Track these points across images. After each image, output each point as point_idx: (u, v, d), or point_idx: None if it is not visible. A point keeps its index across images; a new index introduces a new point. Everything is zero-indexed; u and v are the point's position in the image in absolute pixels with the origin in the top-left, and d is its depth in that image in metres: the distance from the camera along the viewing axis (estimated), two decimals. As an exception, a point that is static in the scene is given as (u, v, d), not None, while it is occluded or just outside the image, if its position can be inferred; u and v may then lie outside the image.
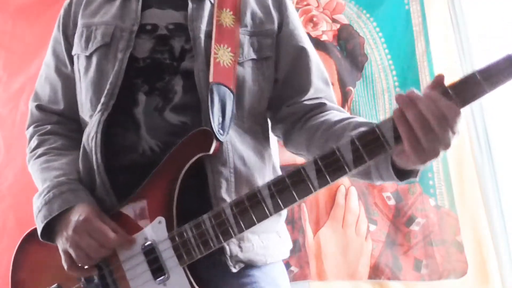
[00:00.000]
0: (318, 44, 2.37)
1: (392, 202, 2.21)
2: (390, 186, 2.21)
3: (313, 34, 2.39)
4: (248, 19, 1.19)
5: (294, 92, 1.18)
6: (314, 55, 1.22)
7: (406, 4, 2.32)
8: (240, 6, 1.19)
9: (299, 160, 1.16)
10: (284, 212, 1.17)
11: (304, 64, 1.19)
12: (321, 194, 2.26)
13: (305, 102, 1.16)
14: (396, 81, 2.30)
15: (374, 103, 2.32)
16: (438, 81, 0.86)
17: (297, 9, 2.43)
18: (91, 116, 1.13)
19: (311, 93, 1.17)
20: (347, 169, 0.89)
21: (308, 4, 2.43)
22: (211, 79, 1.07)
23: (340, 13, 2.41)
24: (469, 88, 0.85)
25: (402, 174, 0.92)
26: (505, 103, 2.11)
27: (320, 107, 1.15)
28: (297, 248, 2.22)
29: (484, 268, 2.07)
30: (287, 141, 1.20)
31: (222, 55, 1.10)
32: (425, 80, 2.25)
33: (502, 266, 2.06)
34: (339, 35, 2.39)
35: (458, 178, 2.16)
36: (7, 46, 2.47)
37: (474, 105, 2.24)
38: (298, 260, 2.22)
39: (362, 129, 0.93)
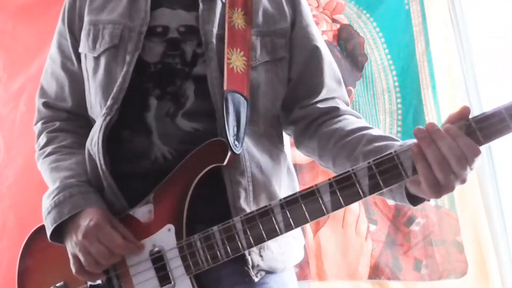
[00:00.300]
0: (318, 44, 2.37)
1: (392, 202, 2.21)
2: (390, 186, 2.21)
3: (313, 34, 2.40)
4: (260, 18, 1.15)
5: (307, 92, 1.16)
6: (327, 54, 1.20)
7: (406, 4, 2.32)
8: (252, 5, 1.15)
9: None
10: None
11: (317, 63, 1.17)
12: (321, 194, 2.26)
13: (318, 105, 1.14)
14: (396, 81, 2.30)
15: (374, 103, 2.32)
16: (463, 113, 0.84)
17: (297, 9, 2.43)
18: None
19: (323, 94, 1.15)
20: (362, 195, 0.89)
21: (308, 4, 2.43)
22: (225, 87, 1.04)
23: (340, 13, 2.41)
24: (494, 124, 0.82)
25: (416, 198, 0.92)
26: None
27: (333, 112, 1.13)
28: (297, 248, 2.22)
29: (484, 268, 2.07)
30: (298, 143, 1.19)
31: (235, 60, 1.08)
32: (425, 80, 2.25)
33: (502, 266, 2.06)
34: (339, 35, 2.39)
35: (458, 178, 2.16)
36: (7, 46, 2.47)
37: (474, 105, 2.26)
38: (298, 260, 2.22)
39: (380, 145, 0.93)
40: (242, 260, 1.01)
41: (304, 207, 0.92)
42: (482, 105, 2.17)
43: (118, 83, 1.07)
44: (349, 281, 2.20)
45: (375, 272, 2.17)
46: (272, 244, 1.05)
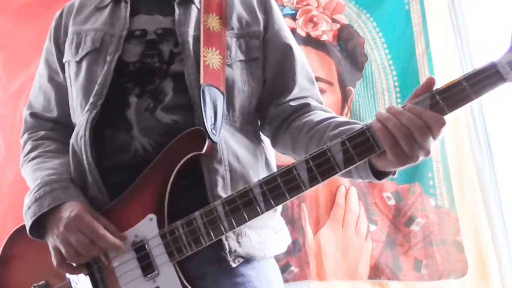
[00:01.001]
0: (318, 44, 2.37)
1: (392, 202, 2.21)
2: (390, 186, 2.21)
3: (313, 34, 2.40)
4: (234, 22, 1.22)
5: (280, 91, 1.20)
6: (299, 54, 1.25)
7: (406, 4, 2.32)
8: (226, 10, 1.22)
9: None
10: (279, 208, 1.19)
11: (288, 63, 1.22)
12: (321, 194, 2.26)
13: (291, 103, 1.19)
14: (396, 81, 2.30)
15: (374, 103, 2.32)
16: (428, 85, 0.89)
17: (297, 9, 2.43)
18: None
19: (295, 92, 1.20)
20: (337, 169, 0.93)
21: (308, 4, 2.43)
22: (201, 81, 1.09)
23: (340, 13, 2.41)
24: (456, 94, 0.87)
25: (380, 173, 0.97)
26: (505, 103, 2.11)
27: (304, 108, 1.18)
28: (297, 248, 2.22)
29: (484, 268, 2.07)
30: (274, 142, 1.23)
31: (211, 58, 1.13)
32: (425, 80, 2.25)
33: (502, 266, 2.06)
34: (339, 35, 2.39)
35: (458, 178, 2.16)
36: (7, 46, 2.47)
37: (474, 105, 2.25)
38: (298, 260, 2.22)
39: (345, 128, 0.98)
40: (219, 247, 1.04)
41: (283, 185, 0.95)
42: (482, 105, 2.17)
43: (99, 81, 1.12)
44: (349, 281, 2.20)
45: (375, 272, 2.17)
46: (250, 233, 1.08)
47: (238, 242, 1.06)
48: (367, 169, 0.96)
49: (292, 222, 2.24)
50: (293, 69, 1.22)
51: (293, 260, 2.21)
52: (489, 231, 2.09)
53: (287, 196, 0.95)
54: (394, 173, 0.96)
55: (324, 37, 2.39)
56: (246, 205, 0.97)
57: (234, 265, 1.06)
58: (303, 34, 2.39)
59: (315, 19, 2.42)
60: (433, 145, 0.87)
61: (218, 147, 1.07)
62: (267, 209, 0.96)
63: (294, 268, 2.21)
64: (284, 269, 2.18)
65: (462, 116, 2.18)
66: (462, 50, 2.25)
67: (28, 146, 1.24)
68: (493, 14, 2.21)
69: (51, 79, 1.28)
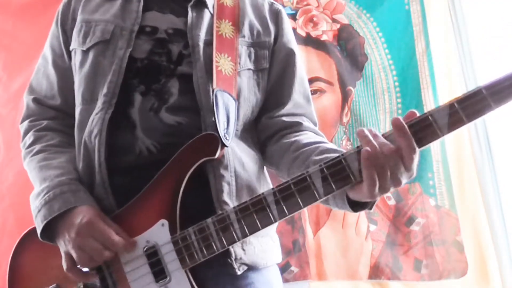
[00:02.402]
0: (318, 44, 2.37)
1: (392, 202, 2.21)
2: (390, 186, 2.21)
3: (313, 34, 2.40)
4: (246, 30, 1.21)
5: (274, 104, 1.20)
6: (300, 71, 1.25)
7: (406, 4, 2.32)
8: (239, 18, 1.21)
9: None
10: None
11: (288, 77, 1.22)
12: (321, 194, 2.26)
13: (283, 118, 1.19)
14: (396, 81, 2.30)
15: (374, 103, 2.32)
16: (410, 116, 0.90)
17: (297, 9, 2.43)
18: (82, 110, 1.13)
19: (289, 107, 1.20)
20: (353, 179, 0.92)
21: (308, 4, 2.43)
22: (214, 86, 1.08)
23: (340, 13, 2.41)
24: (475, 103, 0.86)
25: (355, 204, 0.97)
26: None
27: (296, 126, 1.18)
28: (297, 248, 2.22)
29: (484, 268, 2.07)
30: (262, 153, 1.22)
31: (223, 64, 1.12)
32: (425, 80, 2.25)
33: (502, 266, 2.07)
34: (339, 35, 2.39)
35: (458, 178, 2.16)
36: (7, 46, 2.47)
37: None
38: (298, 260, 2.22)
39: (328, 157, 0.97)
40: (225, 254, 1.03)
41: (296, 193, 0.94)
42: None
43: (110, 78, 1.11)
44: (349, 281, 2.20)
45: (375, 272, 2.17)
46: (254, 241, 1.08)
47: (244, 250, 1.06)
48: (344, 200, 0.96)
49: (292, 222, 2.24)
50: (291, 84, 1.22)
51: (293, 260, 2.21)
52: (489, 231, 2.09)
53: (301, 204, 0.95)
54: (371, 207, 0.97)
55: (324, 37, 2.39)
56: (259, 213, 0.96)
57: (239, 272, 1.05)
58: (303, 34, 2.39)
59: (315, 19, 2.42)
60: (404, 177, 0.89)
61: (225, 154, 1.07)
62: (281, 218, 0.96)
63: (294, 268, 2.21)
64: (284, 269, 2.18)
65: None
66: (462, 50, 2.25)
67: (31, 137, 1.21)
68: (493, 14, 2.21)
69: (55, 64, 1.24)
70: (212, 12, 1.20)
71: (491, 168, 2.15)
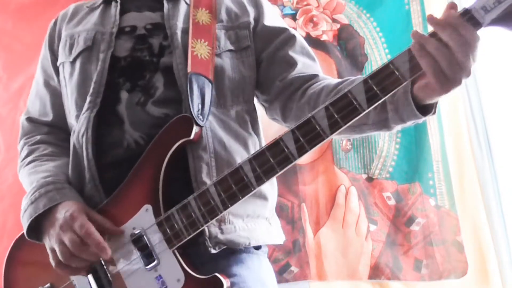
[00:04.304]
0: (318, 44, 2.37)
1: (392, 202, 2.21)
2: (390, 186, 2.21)
3: (313, 34, 2.40)
4: (223, 15, 1.24)
5: (283, 68, 1.21)
6: (300, 40, 1.26)
7: (406, 4, 2.32)
8: (216, 5, 1.24)
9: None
10: (272, 198, 1.19)
11: (289, 45, 1.23)
12: (321, 194, 2.26)
13: (299, 75, 1.19)
14: (396, 81, 2.30)
15: (374, 103, 2.31)
16: (453, 5, 0.84)
17: (297, 9, 2.43)
18: (77, 117, 1.15)
19: (299, 67, 1.20)
20: (360, 110, 0.89)
21: (308, 4, 2.43)
22: (189, 70, 1.10)
23: (340, 13, 2.41)
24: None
25: (422, 111, 0.92)
26: (505, 103, 2.11)
27: (315, 78, 1.18)
28: (297, 248, 2.22)
29: (484, 268, 2.07)
30: (287, 116, 1.21)
31: (199, 48, 1.15)
32: (425, 80, 2.25)
33: (502, 266, 2.06)
34: (339, 35, 2.39)
35: (458, 178, 2.16)
36: (7, 46, 2.47)
37: (474, 105, 2.25)
38: (298, 260, 2.22)
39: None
40: (200, 233, 1.03)
41: (271, 158, 0.94)
42: (482, 105, 2.17)
43: (95, 79, 1.14)
44: (349, 281, 2.20)
45: (375, 272, 2.17)
46: (236, 220, 1.08)
47: (220, 229, 1.06)
48: (411, 104, 0.90)
49: (292, 222, 2.24)
50: (293, 48, 1.23)
51: (293, 260, 2.21)
52: (489, 231, 2.09)
53: (277, 169, 0.94)
54: (434, 111, 0.92)
55: (324, 37, 2.39)
56: (237, 183, 0.97)
57: (214, 251, 1.05)
58: (303, 34, 2.38)
59: (315, 19, 2.42)
60: (472, 64, 0.82)
61: (203, 135, 1.08)
62: (259, 185, 0.96)
63: (294, 268, 2.21)
64: (284, 269, 2.18)
65: (462, 116, 2.18)
66: (462, 50, 2.24)
67: (25, 151, 1.25)
68: (493, 14, 2.20)
69: (47, 84, 1.30)
70: (188, 2, 1.24)
71: (491, 168, 2.15)
